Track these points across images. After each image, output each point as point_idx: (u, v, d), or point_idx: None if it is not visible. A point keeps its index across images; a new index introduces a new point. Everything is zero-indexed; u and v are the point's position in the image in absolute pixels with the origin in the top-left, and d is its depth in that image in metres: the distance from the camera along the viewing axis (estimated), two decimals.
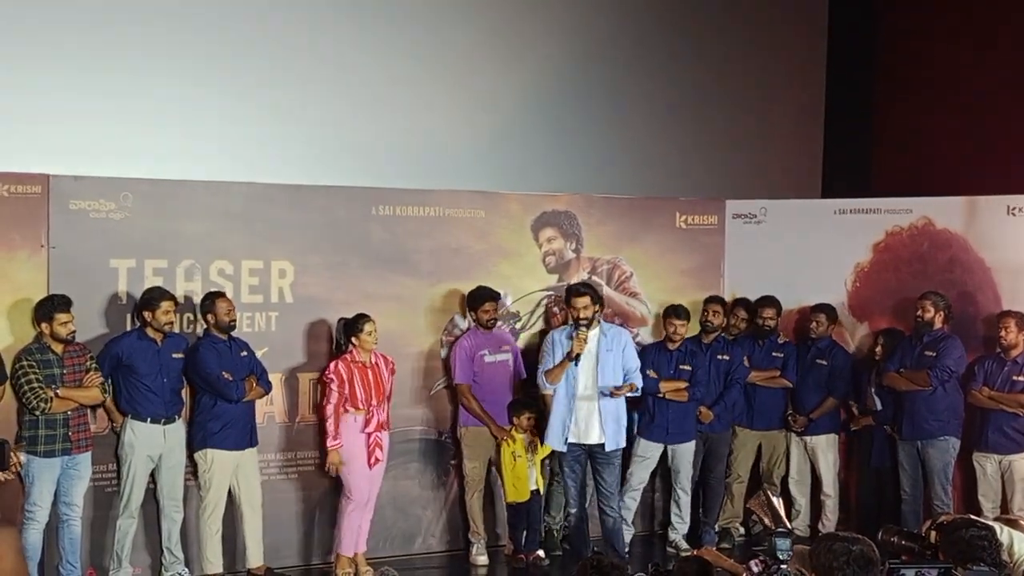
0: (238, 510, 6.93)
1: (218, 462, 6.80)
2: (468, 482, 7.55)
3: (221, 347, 6.79)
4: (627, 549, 7.44)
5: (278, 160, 8.12)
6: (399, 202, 7.52)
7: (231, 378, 6.74)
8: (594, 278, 8.00)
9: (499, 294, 7.51)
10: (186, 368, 6.79)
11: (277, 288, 7.16)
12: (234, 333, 6.86)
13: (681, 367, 7.67)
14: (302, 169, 7.94)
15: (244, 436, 6.86)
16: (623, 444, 7.14)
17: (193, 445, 6.84)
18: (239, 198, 7.13)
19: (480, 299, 7.43)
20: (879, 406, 7.76)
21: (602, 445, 6.98)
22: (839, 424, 8.06)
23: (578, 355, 6.81)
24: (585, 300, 6.87)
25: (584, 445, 6.97)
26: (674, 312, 7.64)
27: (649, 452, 7.71)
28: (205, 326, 6.85)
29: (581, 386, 6.91)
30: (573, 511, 7.07)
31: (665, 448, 7.73)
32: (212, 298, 6.80)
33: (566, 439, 6.94)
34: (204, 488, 6.84)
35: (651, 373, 7.56)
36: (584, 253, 8.06)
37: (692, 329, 7.83)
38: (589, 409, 6.91)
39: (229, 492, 6.90)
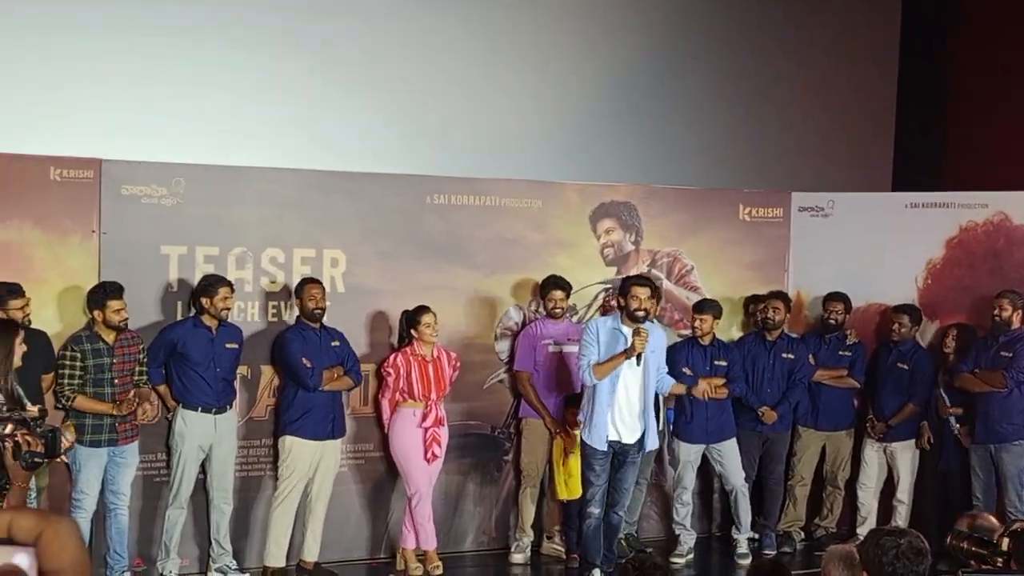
0: (305, 501, 6.96)
1: (297, 450, 6.83)
2: (524, 476, 7.53)
3: (309, 335, 6.83)
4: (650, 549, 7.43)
5: (331, 147, 8.13)
6: (454, 191, 7.51)
7: (310, 365, 6.78)
8: (654, 271, 7.93)
9: (569, 285, 7.45)
10: (273, 354, 6.91)
11: (329, 277, 7.15)
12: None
13: (716, 363, 7.58)
14: (356, 156, 7.95)
15: (325, 426, 6.88)
16: (656, 444, 7.05)
17: (276, 432, 6.94)
18: (292, 185, 7.14)
19: (548, 288, 7.41)
20: (948, 403, 7.63)
21: (638, 445, 6.79)
22: (919, 430, 7.86)
23: (639, 354, 6.58)
24: (646, 291, 6.65)
25: (622, 444, 6.78)
26: (697, 307, 7.60)
27: (690, 454, 7.62)
28: (298, 313, 6.91)
29: (626, 383, 6.70)
30: (595, 511, 6.75)
31: (706, 448, 7.64)
32: (302, 284, 6.86)
33: (606, 437, 6.73)
34: (282, 473, 6.88)
35: (686, 371, 7.47)
36: (643, 245, 8.02)
37: (725, 325, 7.80)
38: (632, 408, 6.73)
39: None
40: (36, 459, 4.06)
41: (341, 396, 7.03)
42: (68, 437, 4.41)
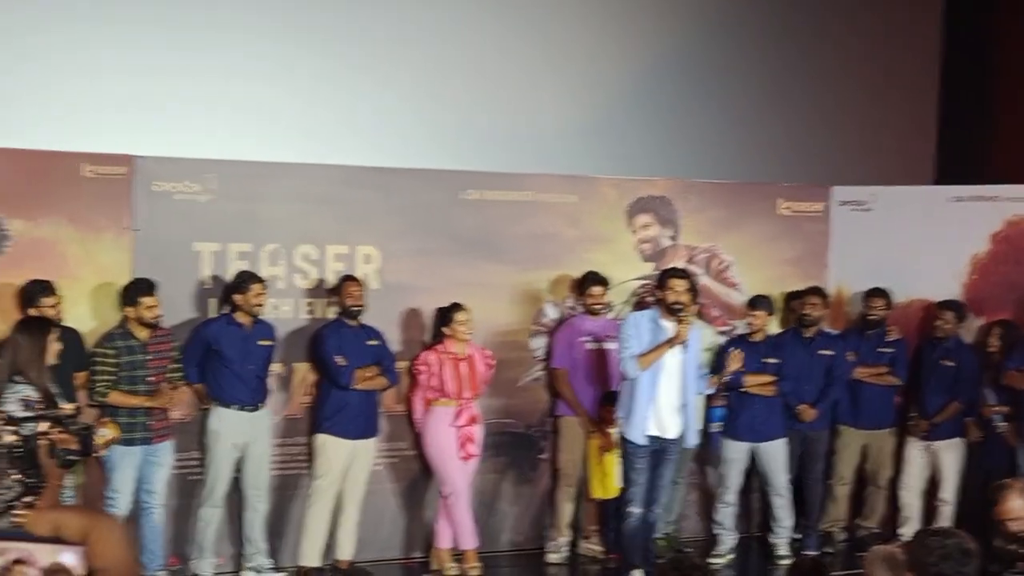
0: (340, 500, 6.95)
1: (330, 448, 6.83)
2: (561, 475, 7.48)
3: (346, 332, 6.84)
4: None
5: (365, 142, 8.11)
6: (488, 186, 7.48)
7: (343, 363, 6.76)
8: (691, 267, 7.83)
9: (607, 280, 7.42)
10: (311, 351, 6.93)
11: (363, 274, 7.12)
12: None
13: (767, 360, 7.49)
14: (389, 151, 7.90)
15: (358, 425, 6.88)
16: (696, 441, 6.97)
17: (311, 430, 6.95)
18: (325, 181, 7.13)
19: (587, 283, 7.37)
20: (992, 401, 7.52)
21: (676, 441, 6.70)
22: (964, 427, 7.75)
23: (684, 341, 6.51)
24: (684, 283, 6.59)
25: (663, 440, 6.70)
26: (751, 303, 7.53)
27: (735, 453, 7.54)
28: (337, 310, 6.93)
29: (668, 376, 6.62)
30: (636, 511, 6.66)
31: (753, 447, 7.56)
32: (342, 281, 6.88)
33: (647, 431, 6.65)
34: (315, 475, 6.89)
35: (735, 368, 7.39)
36: (681, 241, 7.96)
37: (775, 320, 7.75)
38: (672, 402, 6.64)
39: None
40: (71, 457, 4.05)
41: (376, 396, 7.01)
42: (105, 433, 4.42)
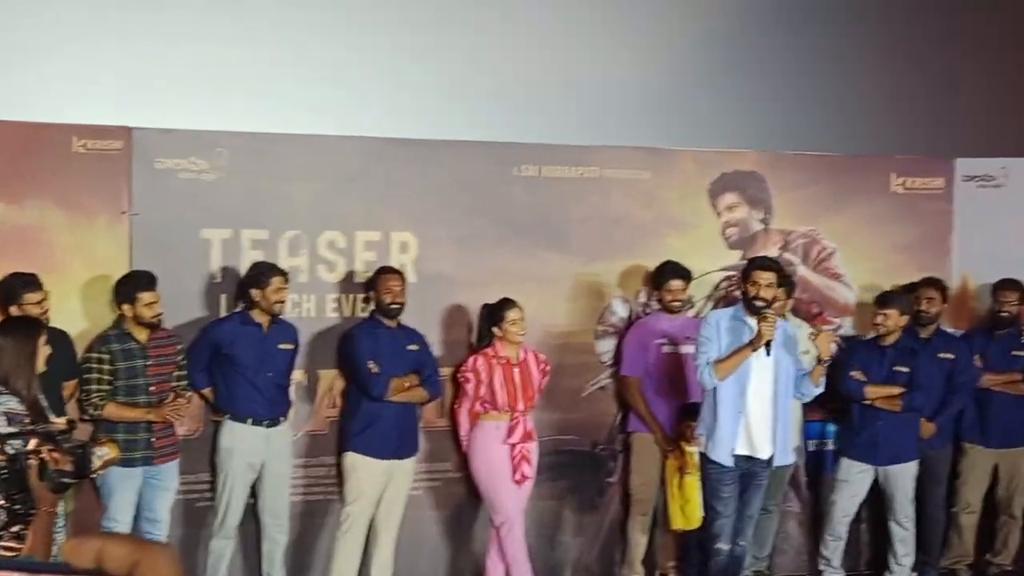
0: (372, 529, 6.98)
1: (361, 469, 6.85)
2: (633, 501, 7.47)
3: (381, 333, 6.84)
4: None
5: (399, 110, 8.09)
6: (546, 161, 7.46)
7: (376, 370, 6.74)
8: (786, 255, 7.82)
9: (689, 273, 7.40)
10: (339, 355, 6.98)
11: (398, 265, 7.12)
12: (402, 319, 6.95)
13: (896, 368, 7.37)
14: (428, 121, 7.91)
15: (392, 443, 6.89)
16: (794, 460, 6.96)
17: (339, 448, 7.00)
18: (353, 156, 7.13)
19: (665, 276, 7.34)
20: None
21: (768, 461, 6.65)
22: None
23: (768, 342, 6.46)
24: (770, 276, 6.57)
25: (752, 460, 6.64)
26: (880, 300, 7.43)
27: (853, 475, 7.45)
28: (372, 307, 6.96)
29: (757, 384, 6.57)
30: (724, 547, 6.67)
31: (876, 470, 7.46)
32: (378, 274, 6.90)
33: (733, 451, 6.60)
34: (345, 500, 6.91)
35: (857, 375, 7.30)
36: (774, 224, 7.92)
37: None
38: (764, 414, 6.57)
39: None
40: (64, 479, 3.99)
41: (414, 409, 7.01)
42: (104, 453, 4.36)
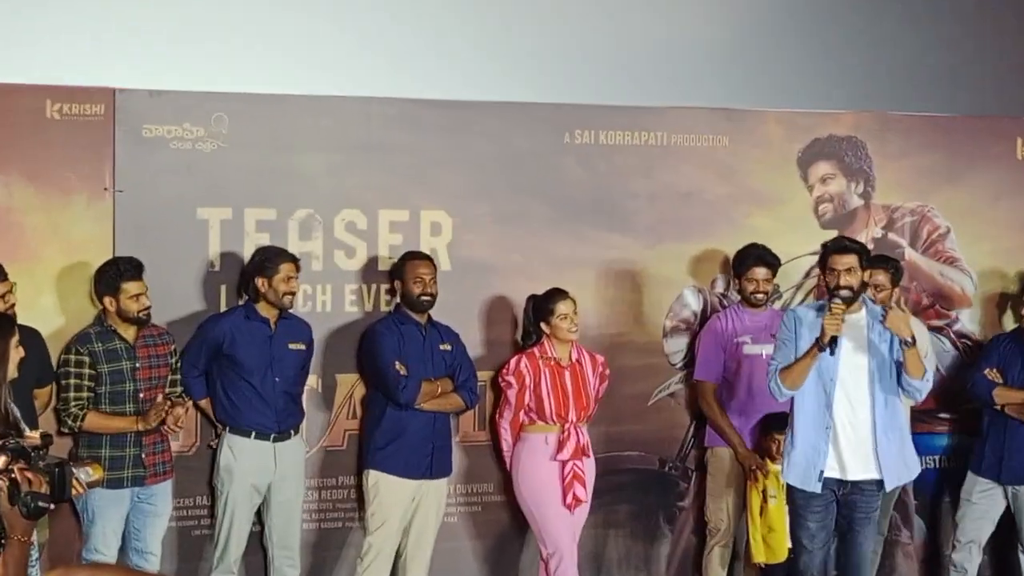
0: (399, 562, 7.02)
1: (386, 491, 6.89)
2: (710, 530, 7.50)
3: (409, 331, 6.91)
4: None
5: (429, 68, 8.18)
6: (605, 125, 7.47)
7: (404, 372, 6.79)
8: (891, 236, 7.83)
9: (776, 259, 7.41)
10: (360, 355, 7.01)
11: (429, 249, 7.16)
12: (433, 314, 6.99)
13: None
14: (463, 80, 7.96)
15: (422, 459, 6.93)
16: (907, 480, 6.86)
17: (359, 465, 7.02)
18: (375, 121, 7.15)
19: (747, 262, 7.36)
20: None
21: (874, 484, 6.56)
22: None
23: (834, 340, 6.36)
24: (850, 259, 6.46)
25: (848, 484, 6.56)
26: None
27: (978, 495, 7.45)
28: (397, 300, 7.00)
29: (847, 391, 6.50)
30: None
31: (1008, 491, 7.47)
32: (404, 261, 6.95)
33: (820, 474, 6.51)
34: (367, 526, 6.95)
35: (992, 374, 7.31)
36: (876, 199, 7.93)
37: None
38: (859, 428, 6.50)
39: None
40: (40, 503, 4.07)
41: (448, 420, 7.04)
42: (85, 475, 4.42)
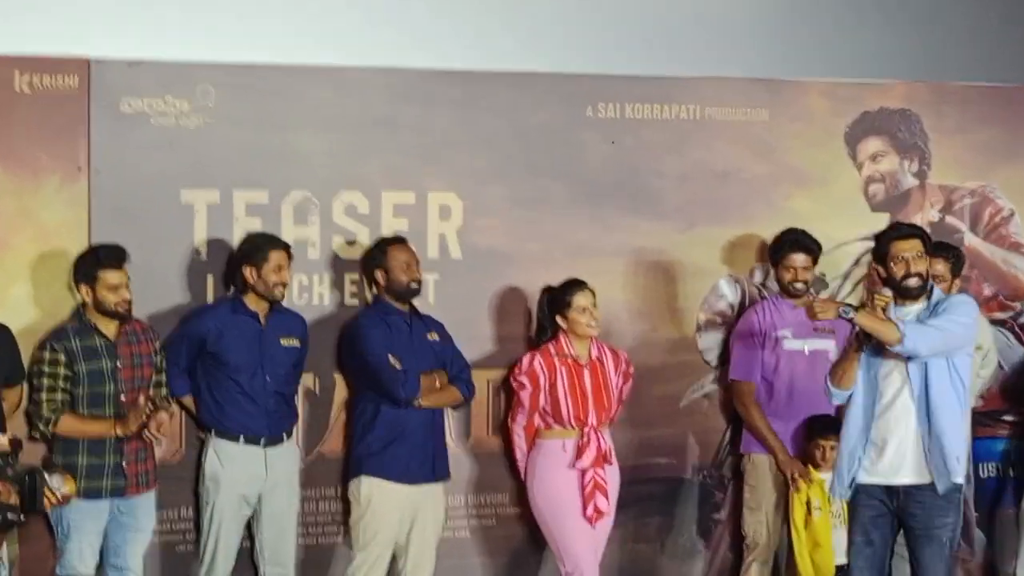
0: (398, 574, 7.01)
1: (380, 499, 6.87)
2: (747, 544, 7.50)
3: (395, 321, 6.92)
4: None
5: (436, 36, 8.15)
6: (631, 97, 7.48)
7: (400, 367, 6.80)
8: (949, 219, 7.85)
9: (817, 245, 7.39)
10: (339, 353, 6.97)
11: (437, 236, 7.24)
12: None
13: None
14: (477, 49, 7.98)
15: (423, 463, 6.93)
16: (960, 480, 6.69)
17: (346, 471, 6.99)
18: (378, 93, 7.18)
19: (783, 248, 7.35)
20: None
21: (925, 488, 6.52)
22: None
23: (868, 335, 6.33)
24: (915, 245, 6.42)
25: (892, 488, 6.56)
26: None
27: None
28: (374, 291, 6.98)
29: (894, 388, 6.48)
30: None
31: None
32: (383, 246, 6.94)
33: (852, 480, 6.52)
34: (356, 538, 6.93)
35: None
36: (932, 179, 7.94)
37: None
38: (905, 427, 6.47)
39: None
40: (11, 515, 4.12)
41: (442, 418, 7.04)
42: (58, 484, 4.45)
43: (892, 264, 6.43)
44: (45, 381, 6.43)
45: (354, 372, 6.99)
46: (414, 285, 6.91)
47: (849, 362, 6.38)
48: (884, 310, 6.30)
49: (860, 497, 6.54)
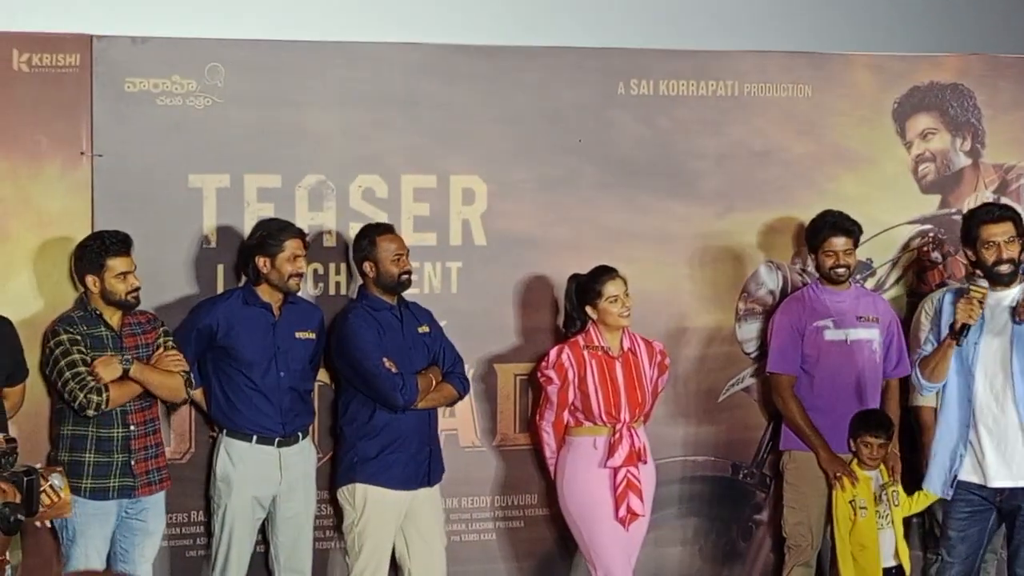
0: None
1: (374, 506, 6.85)
2: (789, 547, 7.50)
3: (385, 317, 6.88)
4: None
5: (464, 8, 8.24)
6: (665, 74, 7.49)
7: (395, 368, 6.79)
8: (1004, 199, 7.77)
9: (859, 228, 7.36)
10: (328, 351, 6.93)
11: (460, 221, 7.26)
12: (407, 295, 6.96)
13: None
14: (503, 21, 7.98)
15: (418, 467, 6.93)
16: None
17: (336, 477, 6.96)
18: (396, 70, 7.18)
19: (821, 232, 7.32)
20: None
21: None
22: None
23: (964, 328, 6.34)
24: (1007, 228, 6.42)
25: (995, 490, 6.56)
26: None
27: None
28: (361, 283, 6.94)
29: (986, 385, 6.50)
30: None
31: None
32: (371, 236, 6.88)
33: (954, 478, 6.57)
34: (352, 547, 6.91)
35: None
36: (986, 158, 7.93)
37: None
38: (1004, 425, 6.49)
39: (393, 555, 6.99)
40: (18, 515, 4.11)
41: (435, 418, 7.03)
42: (59, 483, 4.44)
43: (982, 249, 6.42)
44: (76, 357, 6.36)
45: (345, 374, 6.94)
46: (405, 277, 6.89)
47: (944, 355, 6.38)
48: (981, 303, 6.28)
49: (957, 491, 6.59)
